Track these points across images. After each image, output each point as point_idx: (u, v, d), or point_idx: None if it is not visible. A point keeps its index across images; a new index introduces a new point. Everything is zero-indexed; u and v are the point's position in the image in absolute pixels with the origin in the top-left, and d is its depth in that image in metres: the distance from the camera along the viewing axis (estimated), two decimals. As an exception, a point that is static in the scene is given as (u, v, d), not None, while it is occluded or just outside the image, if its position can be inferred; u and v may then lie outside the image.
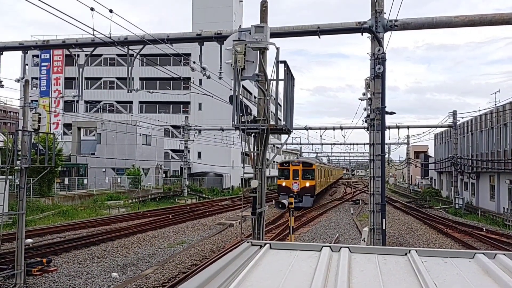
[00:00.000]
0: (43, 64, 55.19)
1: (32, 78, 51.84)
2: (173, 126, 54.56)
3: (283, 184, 33.98)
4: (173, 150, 57.89)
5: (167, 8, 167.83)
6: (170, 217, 28.12)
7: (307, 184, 34.02)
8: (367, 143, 33.29)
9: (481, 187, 37.28)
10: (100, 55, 59.63)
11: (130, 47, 13.41)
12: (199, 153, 56.46)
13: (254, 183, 9.18)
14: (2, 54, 14.03)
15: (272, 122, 9.70)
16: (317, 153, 69.63)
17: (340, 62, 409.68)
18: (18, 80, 14.31)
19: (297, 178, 33.99)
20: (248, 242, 3.77)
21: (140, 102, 60.97)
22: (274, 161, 54.51)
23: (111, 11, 10.59)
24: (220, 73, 11.33)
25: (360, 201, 41.12)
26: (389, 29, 11.22)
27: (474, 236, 21.98)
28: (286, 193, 30.39)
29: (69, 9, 9.35)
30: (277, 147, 61.41)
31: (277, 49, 8.99)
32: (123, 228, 23.13)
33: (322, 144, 47.49)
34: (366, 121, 12.32)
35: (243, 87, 45.03)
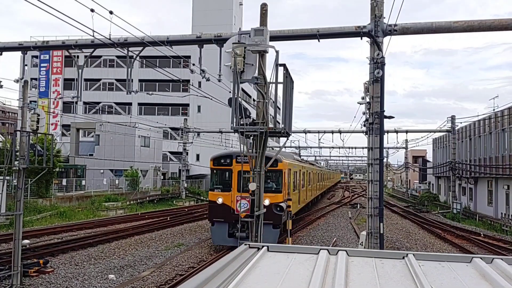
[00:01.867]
0: (42, 64, 55.24)
1: (31, 79, 51.84)
2: (172, 128, 54.59)
3: (219, 200, 17.55)
4: (171, 152, 57.88)
5: (165, 10, 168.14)
6: (168, 219, 28.07)
7: (267, 202, 16.25)
8: (365, 147, 33.26)
9: (479, 192, 37.30)
10: (99, 57, 59.67)
11: (130, 49, 13.44)
12: (198, 156, 56.44)
13: (252, 186, 9.19)
14: (1, 54, 14.04)
15: (271, 125, 9.72)
16: (315, 156, 69.75)
17: (339, 66, 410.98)
18: (17, 81, 14.32)
19: (246, 189, 15.45)
20: (245, 244, 3.77)
21: (139, 104, 60.98)
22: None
23: (111, 12, 10.60)
24: (220, 75, 11.36)
25: (358, 205, 41.10)
26: (388, 33, 11.27)
27: (471, 241, 21.98)
28: (225, 220, 17.12)
29: (69, 10, 9.36)
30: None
31: (277, 52, 9.02)
32: (121, 229, 23.08)
33: (321, 147, 47.57)
34: (364, 125, 12.34)
35: (242, 89, 45.06)
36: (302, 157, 42.94)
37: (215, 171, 18.55)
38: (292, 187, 21.28)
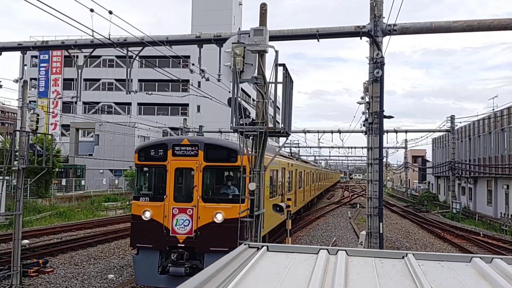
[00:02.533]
0: (42, 64, 55.22)
1: (31, 79, 51.83)
2: (172, 128, 54.39)
3: (146, 215, 11.09)
4: (171, 152, 57.83)
5: (165, 10, 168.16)
6: (168, 219, 28.06)
7: (219, 218, 10.70)
8: (365, 147, 33.12)
9: (478, 192, 37.34)
10: (99, 57, 59.64)
11: (129, 49, 13.41)
12: (197, 156, 56.35)
13: (252, 186, 9.18)
14: (1, 54, 14.02)
15: (270, 125, 9.71)
16: (315, 156, 69.81)
17: (338, 66, 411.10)
18: (16, 81, 14.28)
19: (189, 198, 11.12)
20: (245, 244, 3.77)
21: (139, 104, 60.95)
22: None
23: (110, 12, 10.59)
24: (219, 75, 11.34)
25: (358, 204, 41.12)
26: (388, 33, 11.25)
27: (471, 241, 22.00)
28: (154, 246, 10.98)
29: (69, 10, 9.35)
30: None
31: (276, 52, 9.01)
32: (120, 229, 23.06)
33: (320, 147, 47.54)
34: (364, 125, 12.34)
35: (242, 89, 45.06)
36: (300, 156, 42.45)
37: (143, 169, 12.32)
38: (269, 193, 14.69)
